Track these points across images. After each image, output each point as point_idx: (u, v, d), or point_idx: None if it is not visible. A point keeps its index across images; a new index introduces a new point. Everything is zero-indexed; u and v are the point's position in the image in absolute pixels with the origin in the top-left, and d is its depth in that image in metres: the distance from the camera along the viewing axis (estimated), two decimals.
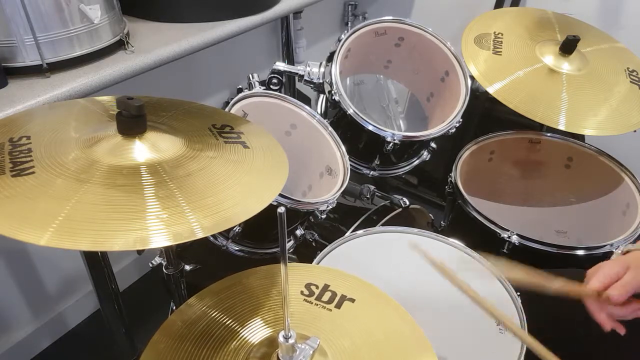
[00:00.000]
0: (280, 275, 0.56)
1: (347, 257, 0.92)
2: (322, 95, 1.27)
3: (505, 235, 1.03)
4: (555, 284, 0.70)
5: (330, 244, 0.94)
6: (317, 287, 0.73)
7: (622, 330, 0.71)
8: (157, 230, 0.53)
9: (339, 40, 1.16)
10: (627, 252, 0.78)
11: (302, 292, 0.72)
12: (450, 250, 0.95)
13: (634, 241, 1.04)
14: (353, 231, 1.15)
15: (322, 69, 1.19)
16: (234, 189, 0.62)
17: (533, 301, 0.85)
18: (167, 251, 0.86)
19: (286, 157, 0.74)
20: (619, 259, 0.73)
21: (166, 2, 1.17)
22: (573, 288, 0.71)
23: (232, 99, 1.04)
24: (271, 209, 0.59)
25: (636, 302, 0.70)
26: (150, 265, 0.97)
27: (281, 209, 0.49)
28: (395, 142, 1.11)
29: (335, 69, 1.13)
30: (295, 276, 0.74)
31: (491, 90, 1.13)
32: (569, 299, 0.73)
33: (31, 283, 1.40)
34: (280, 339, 0.58)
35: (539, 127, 1.29)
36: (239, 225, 0.96)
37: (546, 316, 0.87)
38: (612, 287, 0.69)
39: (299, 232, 1.06)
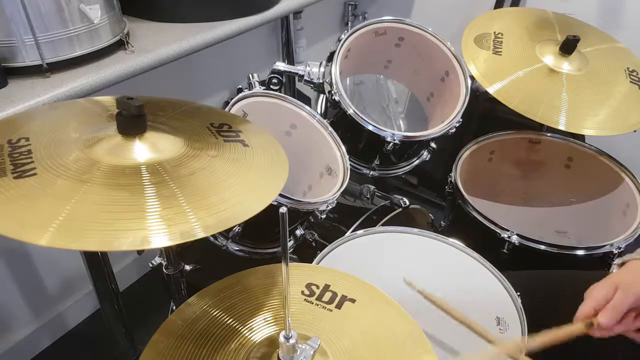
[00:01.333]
0: (281, 275, 0.56)
1: (347, 257, 0.92)
2: (322, 95, 1.27)
3: (505, 235, 1.03)
4: (546, 338, 0.71)
5: (330, 244, 0.94)
6: (317, 287, 0.73)
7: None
8: (159, 230, 0.53)
9: (339, 40, 1.16)
10: (623, 263, 0.78)
11: (302, 292, 0.72)
12: (451, 252, 0.95)
13: (634, 241, 1.04)
14: (353, 231, 1.15)
15: (322, 69, 1.19)
16: (236, 188, 0.62)
17: (533, 301, 0.85)
18: (167, 251, 0.86)
19: (285, 154, 0.74)
20: (609, 278, 0.73)
21: (166, 2, 1.17)
22: (564, 332, 0.71)
23: (232, 99, 1.04)
24: (271, 208, 0.59)
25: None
26: (150, 265, 0.97)
27: (283, 209, 0.49)
28: (395, 142, 1.11)
29: (335, 69, 1.13)
30: (295, 276, 0.74)
31: (491, 90, 1.13)
32: (568, 299, 0.74)
33: (31, 283, 1.40)
34: (281, 339, 0.58)
35: (539, 127, 1.29)
36: (239, 225, 0.96)
37: (546, 316, 0.87)
38: (601, 312, 0.69)
39: (299, 232, 1.06)
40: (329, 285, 0.73)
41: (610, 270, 0.82)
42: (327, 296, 0.71)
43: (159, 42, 1.06)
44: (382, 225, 1.21)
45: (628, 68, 1.21)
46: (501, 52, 1.19)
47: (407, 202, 1.32)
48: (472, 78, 1.18)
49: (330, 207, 1.01)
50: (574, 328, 0.70)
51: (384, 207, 1.32)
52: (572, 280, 0.94)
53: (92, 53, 0.94)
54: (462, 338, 0.79)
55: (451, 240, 0.96)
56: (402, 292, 0.82)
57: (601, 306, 0.69)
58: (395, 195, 1.35)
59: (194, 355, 0.62)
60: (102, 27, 0.95)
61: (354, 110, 1.10)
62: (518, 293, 0.85)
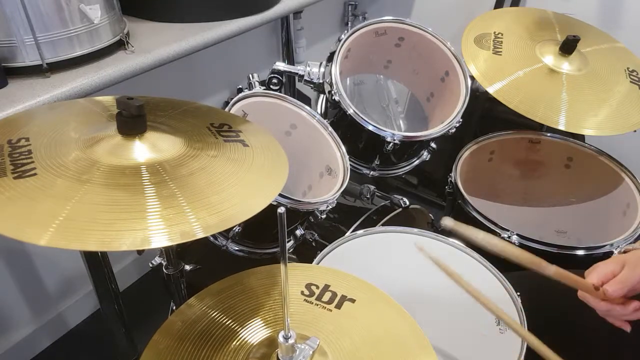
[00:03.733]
0: (280, 275, 0.56)
1: (347, 257, 0.92)
2: (322, 95, 1.27)
3: (505, 235, 1.03)
4: (552, 269, 0.71)
5: (330, 244, 0.94)
6: (317, 287, 0.73)
7: (627, 328, 0.71)
8: (159, 230, 0.53)
9: (339, 40, 1.16)
10: (626, 251, 0.78)
11: (302, 293, 0.72)
12: (451, 252, 0.95)
13: (634, 241, 1.04)
14: (353, 231, 1.15)
15: (322, 69, 1.19)
16: (236, 188, 0.62)
17: (533, 301, 0.85)
18: (167, 251, 0.86)
19: (285, 155, 0.74)
20: (615, 257, 0.73)
21: (166, 2, 1.17)
22: (571, 276, 0.71)
23: (232, 99, 1.04)
24: (271, 208, 0.59)
25: (637, 301, 0.70)
26: (150, 265, 0.97)
27: (281, 209, 0.49)
28: (395, 142, 1.11)
29: (335, 69, 1.13)
30: (295, 276, 0.74)
31: (491, 90, 1.13)
32: (568, 299, 0.74)
33: (31, 283, 1.40)
34: (280, 339, 0.58)
35: (539, 127, 1.29)
36: (239, 225, 0.96)
37: (546, 316, 0.87)
38: (608, 283, 0.69)
39: (299, 232, 1.06)
40: (329, 285, 0.73)
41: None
42: (327, 296, 0.71)
43: (159, 42, 1.06)
44: (382, 225, 1.21)
45: (628, 68, 1.21)
46: (501, 52, 1.19)
47: (407, 202, 1.32)
48: (472, 78, 1.18)
49: (330, 207, 1.01)
50: (583, 280, 0.70)
51: (384, 207, 1.32)
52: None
53: (92, 53, 0.94)
54: (462, 337, 0.79)
55: (451, 240, 0.96)
56: (402, 292, 0.82)
57: (608, 279, 0.69)
58: (395, 195, 1.35)
59: (194, 355, 0.62)
60: (102, 27, 0.95)
61: (354, 110, 1.10)
62: (518, 293, 0.85)
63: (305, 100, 1.81)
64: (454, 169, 1.19)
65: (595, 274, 0.71)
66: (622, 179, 1.19)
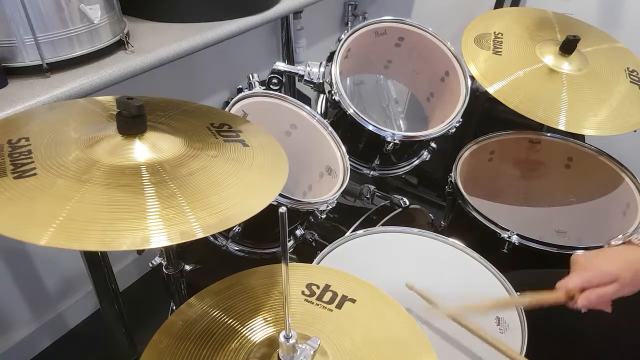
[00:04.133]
0: (281, 275, 0.56)
1: (347, 257, 0.92)
2: (322, 95, 1.27)
3: (505, 235, 1.03)
4: (525, 300, 0.73)
5: (330, 244, 0.94)
6: (318, 287, 0.73)
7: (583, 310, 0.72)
8: (159, 230, 0.53)
9: (339, 40, 1.16)
10: (628, 242, 0.78)
11: (303, 292, 0.72)
12: (451, 252, 0.95)
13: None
14: (353, 231, 1.15)
15: (322, 69, 1.19)
16: (236, 188, 0.62)
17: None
18: (167, 251, 0.86)
19: (285, 155, 0.74)
20: (610, 266, 0.73)
21: (166, 2, 1.17)
22: (542, 298, 0.72)
23: (232, 99, 1.04)
24: (271, 208, 0.59)
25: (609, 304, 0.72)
26: (150, 265, 0.97)
27: (282, 209, 0.49)
28: (395, 142, 1.11)
29: (335, 69, 1.13)
30: (296, 276, 0.74)
31: (491, 90, 1.13)
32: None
33: (31, 283, 1.40)
34: (281, 338, 0.58)
35: (539, 127, 1.29)
36: (239, 224, 0.96)
37: (546, 316, 0.87)
38: (588, 293, 0.70)
39: (299, 232, 1.06)
40: (330, 285, 0.73)
41: (612, 243, 0.82)
42: (328, 296, 0.71)
43: (159, 42, 1.06)
44: (382, 225, 1.21)
45: (628, 68, 1.21)
46: (501, 52, 1.19)
47: (407, 202, 1.32)
48: (472, 78, 1.18)
49: (330, 207, 1.01)
50: (554, 298, 0.72)
51: (384, 207, 1.32)
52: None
53: (92, 53, 0.94)
54: (462, 337, 0.79)
55: (451, 240, 0.96)
56: (402, 292, 0.82)
57: (590, 287, 0.70)
58: (395, 195, 1.35)
59: (194, 355, 0.62)
60: (102, 27, 0.95)
61: (354, 110, 1.10)
62: (518, 293, 0.85)
63: (305, 100, 1.81)
64: (454, 169, 1.19)
65: (579, 279, 0.71)
66: (622, 179, 1.19)
